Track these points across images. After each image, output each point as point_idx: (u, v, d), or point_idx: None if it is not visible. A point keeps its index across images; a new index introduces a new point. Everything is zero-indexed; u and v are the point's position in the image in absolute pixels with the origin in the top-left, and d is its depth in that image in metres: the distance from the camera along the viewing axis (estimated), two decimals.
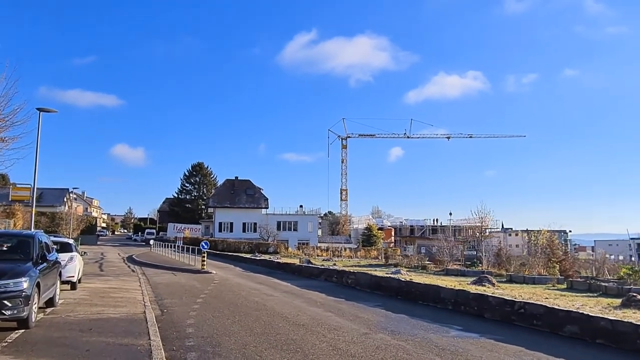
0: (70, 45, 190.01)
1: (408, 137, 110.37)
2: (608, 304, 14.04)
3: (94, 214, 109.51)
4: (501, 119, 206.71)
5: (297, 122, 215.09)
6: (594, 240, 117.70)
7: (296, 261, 34.64)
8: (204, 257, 25.94)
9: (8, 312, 7.79)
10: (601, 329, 8.69)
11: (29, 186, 22.22)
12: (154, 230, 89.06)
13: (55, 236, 21.09)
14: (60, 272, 12.24)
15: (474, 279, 22.34)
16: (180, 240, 43.43)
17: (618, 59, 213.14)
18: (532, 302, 10.74)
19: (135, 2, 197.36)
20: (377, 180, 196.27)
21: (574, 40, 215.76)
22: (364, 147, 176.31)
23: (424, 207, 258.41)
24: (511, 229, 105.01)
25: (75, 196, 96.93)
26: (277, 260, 32.87)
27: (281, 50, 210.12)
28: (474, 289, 14.87)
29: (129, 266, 29.30)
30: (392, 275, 18.59)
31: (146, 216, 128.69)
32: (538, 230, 34.02)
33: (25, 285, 8.05)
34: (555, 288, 22.17)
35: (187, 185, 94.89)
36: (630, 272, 23.32)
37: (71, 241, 16.85)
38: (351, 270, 20.73)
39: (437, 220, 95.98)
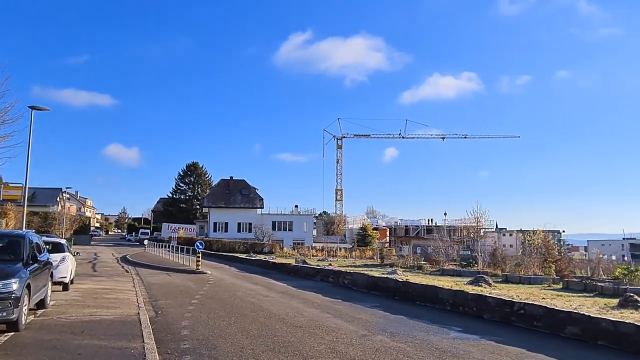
0: (64, 44, 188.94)
1: (403, 138, 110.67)
2: (605, 304, 13.97)
3: (88, 214, 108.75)
4: (495, 120, 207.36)
5: (292, 122, 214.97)
6: (587, 241, 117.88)
7: (291, 261, 34.44)
8: (198, 257, 25.69)
9: None
10: (603, 330, 8.57)
11: (21, 185, 21.92)
12: (148, 230, 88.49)
13: (47, 236, 20.81)
14: (52, 272, 12.00)
15: (471, 279, 22.25)
16: (175, 240, 43.19)
17: (611, 61, 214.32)
18: (532, 302, 10.61)
19: (130, 1, 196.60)
20: (371, 181, 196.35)
21: (567, 42, 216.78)
22: (358, 147, 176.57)
23: (418, 208, 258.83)
24: (505, 229, 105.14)
25: (68, 196, 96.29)
26: (273, 261, 32.67)
27: (276, 50, 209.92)
28: (470, 289, 14.76)
29: (122, 266, 29.00)
30: (389, 276, 18.45)
31: (140, 216, 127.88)
32: (533, 231, 33.97)
33: (15, 286, 7.83)
34: (551, 288, 22.12)
35: (182, 185, 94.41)
36: (626, 272, 23.26)
37: (63, 241, 16.57)
38: (348, 271, 20.57)
39: (431, 220, 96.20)
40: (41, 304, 10.52)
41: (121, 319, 9.92)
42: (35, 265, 9.61)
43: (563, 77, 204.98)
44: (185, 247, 31.70)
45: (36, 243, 10.70)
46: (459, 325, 10.22)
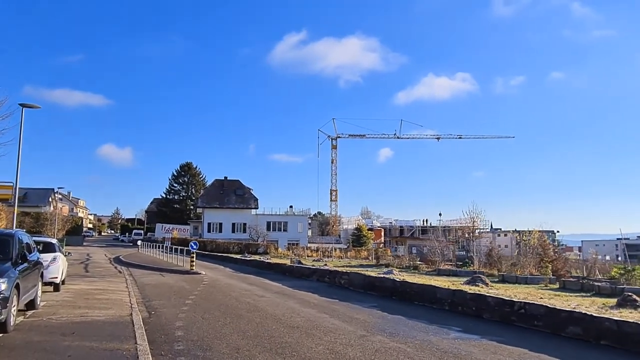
0: (57, 43, 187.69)
1: (398, 138, 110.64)
2: (603, 303, 13.87)
3: (80, 215, 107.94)
4: (490, 121, 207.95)
5: (286, 123, 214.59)
6: (582, 241, 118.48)
7: (286, 262, 34.22)
8: (192, 257, 25.42)
9: None
10: (605, 330, 8.42)
11: (11, 184, 21.58)
12: (142, 231, 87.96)
13: (40, 236, 20.50)
14: (42, 273, 11.73)
15: (467, 279, 22.12)
16: (169, 240, 42.82)
17: (605, 62, 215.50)
18: (533, 302, 10.45)
19: (124, 1, 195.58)
20: (366, 181, 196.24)
21: (561, 43, 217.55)
22: (353, 148, 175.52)
23: (413, 208, 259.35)
24: (500, 229, 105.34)
25: (60, 196, 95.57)
26: (268, 261, 32.42)
27: (271, 50, 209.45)
28: (468, 288, 14.62)
29: (115, 267, 28.65)
30: (386, 276, 18.27)
31: (134, 217, 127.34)
32: (530, 231, 33.93)
33: (3, 286, 7.59)
34: (548, 288, 22.04)
35: (176, 185, 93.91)
36: (623, 272, 23.23)
37: (54, 241, 16.25)
38: (344, 271, 20.37)
39: (426, 220, 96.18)
40: (31, 305, 10.25)
41: (113, 319, 9.68)
42: (25, 265, 9.36)
43: (557, 78, 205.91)
44: (179, 247, 31.40)
45: (26, 243, 10.45)
46: (458, 325, 10.04)
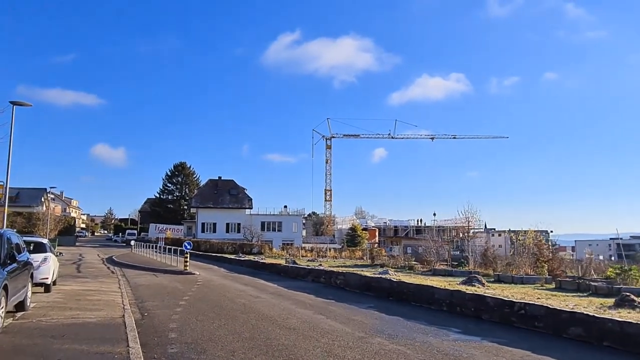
0: (50, 43, 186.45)
1: (392, 138, 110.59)
2: (601, 303, 13.73)
3: (73, 215, 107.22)
4: (484, 121, 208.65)
5: (281, 123, 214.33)
6: (575, 241, 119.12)
7: (281, 262, 33.98)
8: (186, 257, 25.16)
9: None
10: (608, 331, 8.27)
11: (1, 183, 21.23)
12: (135, 231, 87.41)
13: (30, 236, 20.18)
14: (32, 273, 11.46)
15: (464, 279, 21.97)
16: (162, 241, 42.46)
17: (597, 63, 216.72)
18: (533, 303, 10.30)
19: (117, 0, 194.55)
20: (360, 181, 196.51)
21: (554, 44, 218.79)
22: (347, 148, 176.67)
23: (407, 208, 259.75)
24: (494, 229, 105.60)
25: (53, 196, 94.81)
26: (262, 261, 32.19)
27: (265, 50, 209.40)
28: (465, 289, 14.47)
29: (108, 267, 28.34)
30: (382, 276, 18.09)
31: (127, 217, 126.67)
32: (525, 231, 33.86)
33: None
34: (544, 288, 21.92)
35: (169, 185, 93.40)
36: (620, 272, 23.13)
37: (45, 241, 15.94)
38: (340, 271, 20.17)
39: (421, 220, 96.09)
40: (20, 306, 9.99)
41: (105, 321, 9.44)
42: (14, 265, 9.12)
43: (551, 78, 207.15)
44: (172, 247, 31.12)
45: (15, 243, 10.19)
46: (458, 327, 9.87)
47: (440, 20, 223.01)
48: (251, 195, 76.93)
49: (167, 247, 33.19)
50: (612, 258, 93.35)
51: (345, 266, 33.33)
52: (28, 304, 10.47)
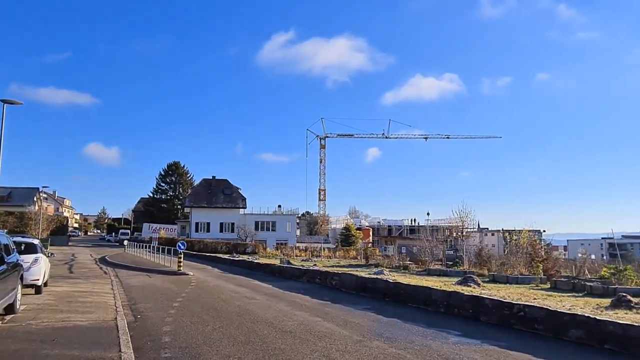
0: (43, 41, 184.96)
1: (386, 138, 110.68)
2: (597, 304, 13.67)
3: (66, 214, 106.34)
4: (477, 121, 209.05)
5: (274, 122, 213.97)
6: (567, 240, 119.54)
7: (275, 262, 33.80)
8: (180, 258, 24.90)
9: None
10: (610, 334, 8.15)
11: None
12: (129, 231, 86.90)
13: (22, 236, 19.89)
14: (22, 275, 11.21)
15: (459, 279, 21.89)
16: (156, 240, 42.08)
17: (589, 64, 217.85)
18: (532, 304, 10.17)
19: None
20: (354, 181, 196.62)
21: (546, 45, 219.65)
22: (341, 147, 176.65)
23: (401, 208, 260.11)
24: (487, 228, 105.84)
25: (45, 196, 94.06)
26: (257, 261, 31.96)
27: (259, 49, 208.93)
28: (460, 289, 14.37)
29: (100, 268, 28.02)
30: (378, 277, 17.93)
31: (120, 216, 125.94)
32: (519, 231, 33.85)
33: None
34: (539, 288, 21.88)
35: (163, 184, 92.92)
36: (615, 272, 23.13)
37: (36, 242, 15.65)
38: (335, 271, 20.00)
39: (414, 220, 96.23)
40: (10, 309, 9.74)
41: (97, 324, 9.22)
42: (3, 267, 8.90)
43: (543, 79, 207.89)
44: (166, 247, 30.84)
45: (4, 244, 9.95)
46: (456, 329, 9.72)
47: (434, 20, 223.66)
48: (245, 195, 76.76)
49: (161, 247, 32.94)
50: (604, 257, 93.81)
51: (340, 266, 33.20)
52: (18, 307, 10.23)
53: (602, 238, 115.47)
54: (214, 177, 78.12)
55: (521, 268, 28.00)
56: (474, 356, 7.44)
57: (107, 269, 26.64)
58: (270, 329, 9.40)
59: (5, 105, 19.11)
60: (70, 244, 70.01)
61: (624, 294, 14.05)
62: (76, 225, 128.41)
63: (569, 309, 10.69)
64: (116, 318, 9.97)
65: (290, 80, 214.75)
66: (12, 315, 9.71)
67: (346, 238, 75.40)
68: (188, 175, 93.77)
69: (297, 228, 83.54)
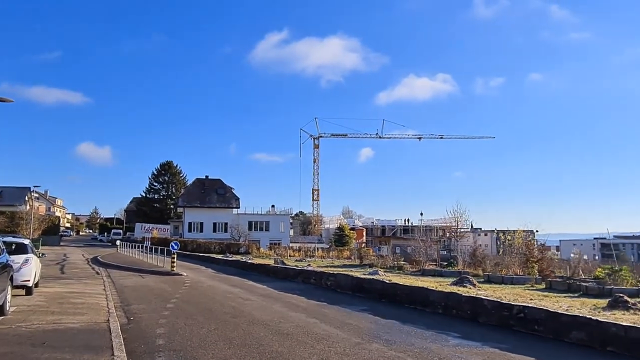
0: (35, 40, 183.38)
1: (380, 138, 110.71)
2: (594, 305, 13.60)
3: (57, 214, 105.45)
4: (471, 121, 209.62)
5: (268, 122, 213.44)
6: (560, 240, 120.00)
7: (269, 262, 33.61)
8: (173, 258, 24.65)
9: None
10: (612, 336, 8.03)
11: None
12: (121, 231, 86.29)
13: (13, 236, 19.56)
14: (12, 275, 10.96)
15: (454, 279, 21.80)
16: (148, 240, 41.75)
17: (581, 64, 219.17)
18: (533, 306, 10.06)
19: None
20: (347, 181, 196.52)
21: (539, 45, 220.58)
22: (334, 147, 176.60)
23: (394, 208, 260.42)
24: (480, 228, 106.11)
25: (37, 195, 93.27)
26: (251, 261, 31.75)
27: (252, 49, 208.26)
28: (457, 289, 14.26)
29: (93, 268, 27.71)
30: (374, 277, 17.80)
31: (113, 216, 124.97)
32: (513, 231, 33.85)
33: None
34: (535, 288, 21.82)
35: (156, 184, 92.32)
36: (610, 272, 23.10)
37: (27, 242, 15.36)
38: (331, 272, 19.84)
39: (408, 220, 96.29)
40: None
41: (89, 327, 8.99)
42: None
43: (535, 79, 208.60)
44: (159, 247, 30.57)
45: None
46: (456, 331, 9.58)
47: (427, 21, 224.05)
48: (238, 195, 76.40)
49: (154, 247, 32.66)
50: (596, 258, 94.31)
51: (334, 266, 33.06)
52: (8, 308, 9.99)
53: (595, 238, 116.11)
54: (207, 176, 77.76)
55: (516, 268, 27.97)
56: (476, 359, 7.30)
57: (100, 270, 26.34)
58: (266, 331, 9.22)
59: None
60: (62, 244, 69.40)
61: (621, 295, 13.99)
62: (68, 225, 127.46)
63: (566, 309, 10.61)
64: (109, 320, 9.76)
65: (283, 80, 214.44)
66: (2, 318, 9.47)
67: (340, 238, 75.27)
68: (181, 175, 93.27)
69: (291, 228, 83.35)
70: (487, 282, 24.61)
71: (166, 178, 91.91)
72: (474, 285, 19.56)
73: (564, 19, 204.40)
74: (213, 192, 74.56)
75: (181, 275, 23.17)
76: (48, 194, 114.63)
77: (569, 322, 8.80)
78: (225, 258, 38.68)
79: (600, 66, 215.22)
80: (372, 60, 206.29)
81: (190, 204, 72.61)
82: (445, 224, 66.12)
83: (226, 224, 70.01)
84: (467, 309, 11.35)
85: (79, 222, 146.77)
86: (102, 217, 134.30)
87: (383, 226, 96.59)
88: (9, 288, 10.31)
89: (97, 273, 23.99)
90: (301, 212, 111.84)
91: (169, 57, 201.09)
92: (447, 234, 54.27)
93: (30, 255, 13.85)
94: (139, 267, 27.09)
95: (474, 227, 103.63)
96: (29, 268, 13.30)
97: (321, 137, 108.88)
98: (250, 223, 71.44)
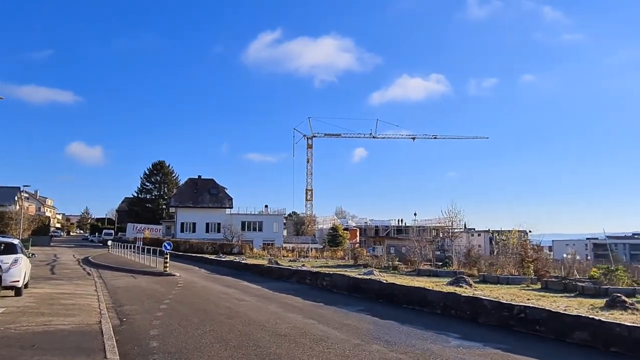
0: (25, 38, 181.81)
1: (374, 137, 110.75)
2: (591, 304, 13.53)
3: (48, 214, 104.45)
4: (464, 122, 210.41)
5: (261, 122, 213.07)
6: (552, 240, 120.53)
7: (263, 262, 33.36)
8: (166, 258, 24.34)
9: None
10: (616, 336, 7.89)
11: None
12: (112, 231, 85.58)
13: (2, 236, 19.23)
14: (1, 276, 10.67)
15: (450, 279, 21.69)
16: (140, 241, 41.35)
17: (573, 65, 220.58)
18: (534, 306, 9.92)
19: None
20: (340, 181, 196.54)
21: (532, 47, 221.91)
22: (327, 147, 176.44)
23: (387, 208, 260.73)
24: (474, 229, 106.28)
25: (27, 195, 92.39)
26: (245, 262, 31.48)
27: (245, 49, 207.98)
28: (453, 289, 14.13)
29: (84, 269, 27.34)
30: (370, 277, 17.62)
31: (104, 216, 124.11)
32: (509, 231, 33.85)
33: None
34: (531, 288, 21.75)
35: (148, 184, 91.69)
36: (606, 272, 23.09)
37: (16, 242, 15.03)
38: (326, 272, 19.63)
39: (401, 220, 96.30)
40: None
41: (80, 328, 8.73)
42: None
43: (528, 80, 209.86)
44: (151, 248, 30.22)
45: None
46: (456, 331, 9.40)
47: (421, 21, 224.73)
48: (231, 195, 76.03)
49: (146, 247, 32.30)
50: (588, 258, 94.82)
51: (328, 266, 32.86)
52: None
53: (587, 238, 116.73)
54: (199, 176, 77.33)
55: (511, 268, 27.93)
56: None
57: (91, 270, 25.99)
58: (263, 333, 9.00)
59: None
60: (52, 244, 68.74)
61: (619, 295, 13.92)
62: (58, 225, 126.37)
63: (565, 309, 10.48)
64: (101, 321, 9.50)
65: (277, 79, 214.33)
66: None
67: (333, 238, 75.07)
68: (173, 174, 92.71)
69: (284, 228, 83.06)
70: (482, 282, 24.52)
71: (158, 178, 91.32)
72: (470, 285, 19.45)
73: (557, 20, 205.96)
74: (206, 192, 74.13)
75: (174, 275, 22.87)
76: (38, 194, 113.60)
77: (572, 323, 8.66)
78: (218, 258, 38.38)
79: (593, 67, 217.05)
80: (365, 60, 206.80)
81: (182, 204, 72.16)
82: (439, 224, 66.21)
83: (219, 224, 69.60)
84: (466, 309, 11.18)
85: (69, 222, 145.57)
86: (93, 217, 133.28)
87: (376, 226, 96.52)
88: None
89: (88, 274, 23.66)
90: (294, 212, 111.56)
91: (161, 56, 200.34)
92: (441, 234, 54.28)
93: (19, 255, 13.53)
94: (130, 268, 26.75)
95: (467, 227, 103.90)
96: (19, 268, 12.99)
97: (315, 137, 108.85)
98: (243, 223, 71.11)
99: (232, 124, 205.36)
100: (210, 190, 74.60)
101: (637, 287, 19.91)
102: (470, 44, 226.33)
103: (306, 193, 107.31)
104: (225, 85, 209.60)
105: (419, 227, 78.45)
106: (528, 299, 13.55)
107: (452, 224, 38.06)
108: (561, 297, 17.18)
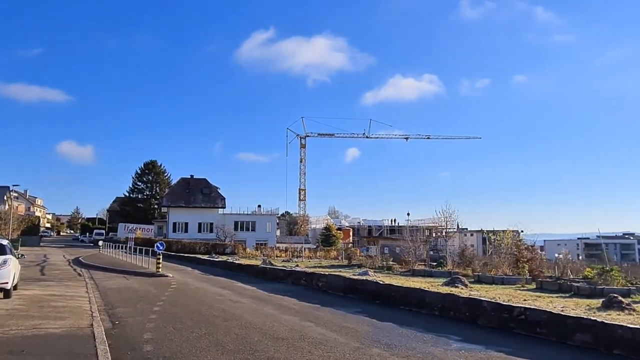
0: (14, 36, 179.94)
1: (367, 137, 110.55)
2: (588, 305, 13.45)
3: (37, 214, 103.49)
4: (457, 122, 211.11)
5: (254, 122, 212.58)
6: (544, 240, 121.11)
7: (256, 262, 33.07)
8: (159, 259, 24.03)
9: None
10: (619, 338, 7.77)
11: None
12: (103, 231, 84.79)
13: None
14: None
15: (445, 280, 21.58)
16: (132, 241, 40.91)
17: (565, 66, 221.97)
18: (534, 307, 9.80)
19: None
20: (333, 181, 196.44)
21: (524, 47, 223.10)
22: (320, 147, 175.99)
23: (380, 208, 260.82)
24: (467, 229, 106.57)
25: (16, 195, 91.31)
26: (238, 262, 31.21)
27: (238, 48, 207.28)
28: (448, 290, 13.99)
29: (74, 269, 26.95)
30: (366, 278, 17.44)
31: (95, 216, 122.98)
32: (503, 231, 33.83)
33: None
34: (526, 289, 21.68)
35: (139, 183, 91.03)
36: (601, 272, 23.08)
37: (5, 242, 14.69)
38: (322, 273, 19.45)
39: (394, 220, 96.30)
40: None
41: (71, 332, 8.49)
42: None
43: (520, 81, 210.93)
44: (143, 248, 29.88)
45: None
46: (456, 334, 9.24)
47: (414, 21, 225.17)
48: (224, 195, 75.54)
49: (138, 247, 31.95)
50: (580, 257, 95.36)
51: (322, 267, 32.66)
52: None
53: (578, 238, 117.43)
54: (192, 176, 76.82)
55: (505, 268, 27.89)
56: None
57: (82, 271, 25.61)
58: (260, 336, 8.79)
59: None
60: (42, 244, 67.98)
61: (615, 295, 13.84)
62: (48, 225, 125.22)
63: (561, 310, 10.38)
64: (92, 324, 9.26)
65: (269, 79, 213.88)
66: None
67: (327, 238, 74.87)
68: (165, 174, 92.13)
69: (277, 228, 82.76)
70: (477, 282, 24.43)
71: (150, 177, 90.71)
72: (466, 285, 19.34)
73: (549, 21, 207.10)
74: (198, 192, 73.66)
75: (167, 276, 22.58)
76: (28, 194, 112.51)
77: (573, 324, 8.54)
78: (211, 259, 38.07)
79: (584, 68, 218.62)
80: (358, 60, 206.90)
81: (174, 204, 71.65)
82: (432, 224, 66.25)
83: (211, 224, 69.15)
84: (465, 310, 11.04)
85: (59, 222, 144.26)
86: (83, 217, 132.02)
87: (370, 226, 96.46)
88: None
89: (79, 275, 23.30)
90: (287, 212, 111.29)
91: (153, 55, 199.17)
92: (435, 234, 54.30)
93: (8, 256, 13.21)
94: (122, 269, 26.40)
95: (460, 227, 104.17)
96: (7, 270, 12.69)
97: (308, 136, 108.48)
98: (236, 223, 70.72)
99: (225, 124, 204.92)
100: (203, 190, 74.14)
101: (632, 287, 19.90)
102: (463, 44, 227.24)
103: (299, 193, 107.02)
104: (218, 84, 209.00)
105: (412, 227, 78.50)
106: (524, 300, 13.43)
107: (446, 224, 38.01)
108: (557, 297, 17.10)
